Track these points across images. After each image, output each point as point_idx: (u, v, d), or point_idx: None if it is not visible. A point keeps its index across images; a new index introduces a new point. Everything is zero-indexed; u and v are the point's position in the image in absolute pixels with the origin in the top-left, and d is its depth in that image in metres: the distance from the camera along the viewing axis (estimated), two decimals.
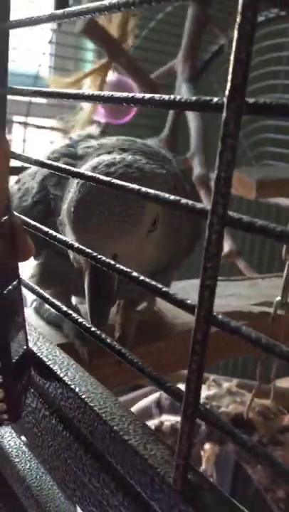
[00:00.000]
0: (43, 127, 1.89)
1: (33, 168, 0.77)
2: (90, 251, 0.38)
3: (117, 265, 0.36)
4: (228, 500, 0.31)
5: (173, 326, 0.78)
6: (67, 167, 0.37)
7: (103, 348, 0.72)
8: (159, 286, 0.33)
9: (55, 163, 0.41)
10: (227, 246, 1.44)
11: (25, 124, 1.89)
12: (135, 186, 0.34)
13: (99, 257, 0.37)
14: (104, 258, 0.36)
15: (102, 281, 0.55)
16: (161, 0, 0.34)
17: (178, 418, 1.04)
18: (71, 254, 0.62)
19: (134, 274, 0.35)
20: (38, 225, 0.47)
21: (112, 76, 1.55)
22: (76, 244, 0.41)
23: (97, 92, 0.41)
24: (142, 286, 0.34)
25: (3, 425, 0.41)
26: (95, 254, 0.36)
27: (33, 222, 0.47)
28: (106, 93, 0.40)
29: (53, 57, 2.14)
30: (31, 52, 1.88)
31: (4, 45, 0.55)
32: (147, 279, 0.34)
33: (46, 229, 0.45)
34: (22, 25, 0.53)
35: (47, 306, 0.78)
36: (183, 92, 1.79)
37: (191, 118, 1.72)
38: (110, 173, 0.56)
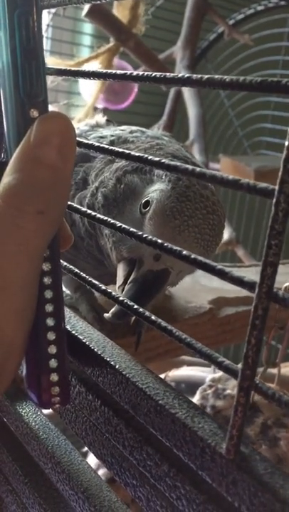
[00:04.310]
0: None
1: None
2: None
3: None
4: (280, 471, 0.33)
5: (186, 309, 0.80)
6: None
7: (120, 330, 0.73)
8: (214, 264, 0.34)
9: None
10: (226, 234, 1.46)
11: None
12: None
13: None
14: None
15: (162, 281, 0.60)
16: None
17: None
18: (109, 242, 0.65)
19: (185, 252, 0.36)
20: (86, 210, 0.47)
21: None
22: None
23: (146, 73, 0.41)
24: (196, 266, 0.35)
25: (47, 408, 0.41)
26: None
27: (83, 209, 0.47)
28: (168, 74, 0.40)
29: (50, 41, 2.13)
30: None
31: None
32: (200, 258, 0.35)
33: (92, 212, 0.45)
34: (54, 5, 0.53)
35: (63, 288, 0.79)
36: None
37: (191, 105, 1.72)
38: (188, 196, 0.59)
